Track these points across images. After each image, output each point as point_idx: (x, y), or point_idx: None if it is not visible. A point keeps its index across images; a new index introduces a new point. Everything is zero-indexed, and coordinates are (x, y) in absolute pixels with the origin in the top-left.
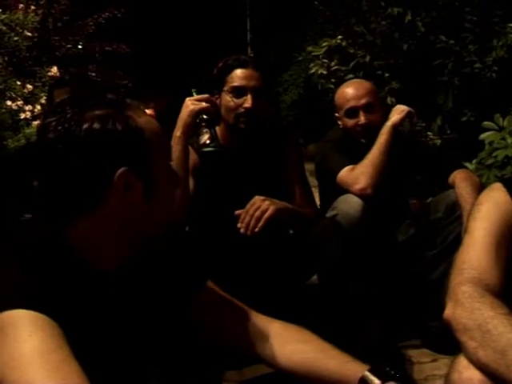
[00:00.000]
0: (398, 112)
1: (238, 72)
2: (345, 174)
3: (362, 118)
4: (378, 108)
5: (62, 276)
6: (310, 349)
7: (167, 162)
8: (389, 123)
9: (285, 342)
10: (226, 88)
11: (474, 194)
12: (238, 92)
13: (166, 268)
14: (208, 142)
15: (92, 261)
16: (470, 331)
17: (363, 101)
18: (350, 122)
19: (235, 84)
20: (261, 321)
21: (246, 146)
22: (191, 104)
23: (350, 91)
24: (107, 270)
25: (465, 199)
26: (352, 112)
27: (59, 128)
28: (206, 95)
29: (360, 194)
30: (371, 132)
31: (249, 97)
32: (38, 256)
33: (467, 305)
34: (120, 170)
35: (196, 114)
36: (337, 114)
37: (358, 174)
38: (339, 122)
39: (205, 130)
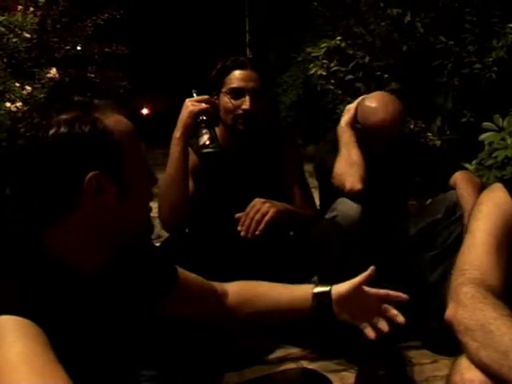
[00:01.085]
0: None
1: (236, 73)
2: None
3: (383, 148)
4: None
5: (45, 281)
6: (263, 291)
7: (140, 161)
8: (342, 124)
9: (239, 292)
10: (224, 89)
11: (475, 195)
12: (236, 93)
13: (145, 268)
14: (208, 142)
15: (74, 264)
16: (472, 332)
17: (393, 131)
18: (372, 141)
19: (233, 85)
20: (220, 285)
21: (245, 148)
22: (191, 105)
23: (385, 120)
24: (91, 273)
25: (466, 200)
26: (378, 136)
27: (27, 134)
28: (205, 96)
29: (351, 194)
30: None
31: (247, 98)
32: (19, 261)
33: (469, 305)
34: (90, 174)
35: (195, 115)
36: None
37: (341, 177)
38: (357, 125)
39: (204, 131)
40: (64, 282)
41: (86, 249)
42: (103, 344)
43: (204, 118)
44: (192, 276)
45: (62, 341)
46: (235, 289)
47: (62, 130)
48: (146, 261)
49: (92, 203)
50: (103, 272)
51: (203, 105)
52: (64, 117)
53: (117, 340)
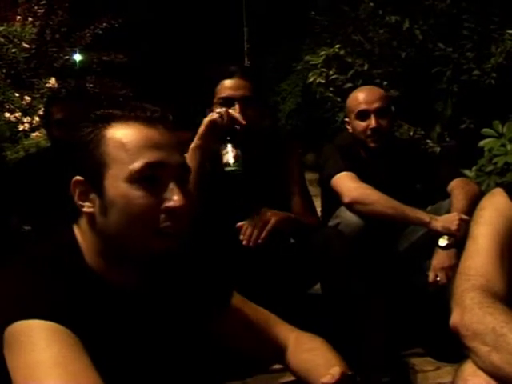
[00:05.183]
0: None
1: (226, 83)
2: (342, 180)
3: (372, 122)
4: (389, 114)
5: (79, 288)
6: (312, 358)
7: (128, 176)
8: None
9: (296, 351)
10: (215, 100)
11: (464, 201)
12: (226, 102)
13: (185, 283)
14: (231, 161)
15: (102, 274)
16: (482, 336)
17: (375, 105)
18: (361, 125)
19: (223, 95)
20: (282, 332)
21: (245, 156)
22: (210, 115)
23: (363, 95)
24: (120, 286)
25: (455, 207)
26: (363, 115)
27: None
28: (224, 109)
29: (351, 204)
30: (381, 137)
31: (236, 106)
32: (55, 266)
33: (477, 310)
34: (73, 179)
35: (209, 124)
36: (347, 119)
37: (361, 190)
38: (348, 127)
39: (228, 149)
40: (96, 290)
41: (103, 258)
42: (135, 354)
43: (229, 137)
44: (248, 307)
45: (93, 348)
46: (294, 342)
47: (77, 141)
48: (192, 277)
49: (83, 211)
50: (137, 286)
51: (215, 114)
52: (84, 127)
53: (149, 352)
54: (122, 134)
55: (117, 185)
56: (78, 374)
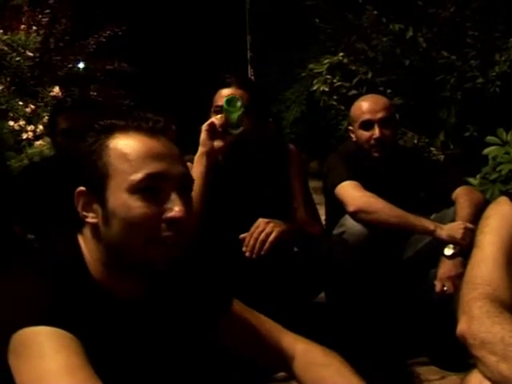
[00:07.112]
0: None
1: (221, 92)
2: (346, 188)
3: (376, 132)
4: (393, 123)
5: (82, 295)
6: (329, 374)
7: (130, 187)
8: None
9: (307, 364)
10: (212, 109)
11: (468, 209)
12: (222, 111)
13: (187, 292)
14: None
15: (106, 285)
16: (490, 345)
17: (380, 115)
18: (365, 135)
19: (218, 103)
20: (286, 340)
21: (247, 164)
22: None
23: (367, 104)
24: (125, 296)
25: (459, 215)
26: (367, 125)
27: None
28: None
29: (356, 218)
30: (385, 146)
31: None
32: (59, 275)
33: (485, 319)
34: (77, 190)
35: (208, 129)
36: (350, 128)
37: (365, 199)
38: (352, 135)
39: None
40: (100, 299)
41: (106, 268)
42: (138, 363)
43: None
44: (250, 316)
45: (96, 356)
46: (303, 353)
47: (80, 151)
48: (192, 285)
49: (87, 221)
50: (140, 296)
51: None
52: (89, 137)
53: (152, 362)
54: (124, 145)
55: (118, 195)
56: (87, 381)
